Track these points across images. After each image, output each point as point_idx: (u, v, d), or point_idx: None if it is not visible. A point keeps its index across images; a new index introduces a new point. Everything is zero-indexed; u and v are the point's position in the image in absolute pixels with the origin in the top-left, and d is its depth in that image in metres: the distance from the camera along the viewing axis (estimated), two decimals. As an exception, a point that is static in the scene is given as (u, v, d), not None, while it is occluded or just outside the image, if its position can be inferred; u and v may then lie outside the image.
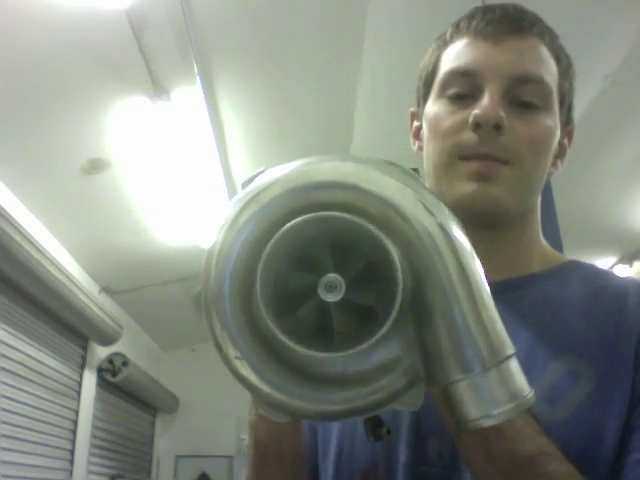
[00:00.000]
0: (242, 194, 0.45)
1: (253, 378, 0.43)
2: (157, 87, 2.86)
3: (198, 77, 2.80)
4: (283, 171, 0.45)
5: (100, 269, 4.38)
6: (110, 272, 4.44)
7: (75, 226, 3.81)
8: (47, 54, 2.59)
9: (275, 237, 0.41)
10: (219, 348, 0.44)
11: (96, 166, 3.35)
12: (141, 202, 3.76)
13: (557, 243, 1.90)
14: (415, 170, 0.46)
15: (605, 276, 0.70)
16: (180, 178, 3.49)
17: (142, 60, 2.70)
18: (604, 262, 5.03)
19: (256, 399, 0.44)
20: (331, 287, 0.41)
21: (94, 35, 2.56)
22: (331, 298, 0.41)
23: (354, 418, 0.44)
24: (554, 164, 0.71)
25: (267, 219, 0.43)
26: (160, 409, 6.00)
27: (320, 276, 0.42)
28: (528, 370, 0.46)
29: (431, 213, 0.43)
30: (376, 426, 0.49)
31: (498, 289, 0.48)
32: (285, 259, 0.42)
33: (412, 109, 0.77)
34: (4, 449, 3.24)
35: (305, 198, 0.43)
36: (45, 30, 2.49)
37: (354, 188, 0.43)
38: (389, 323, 0.39)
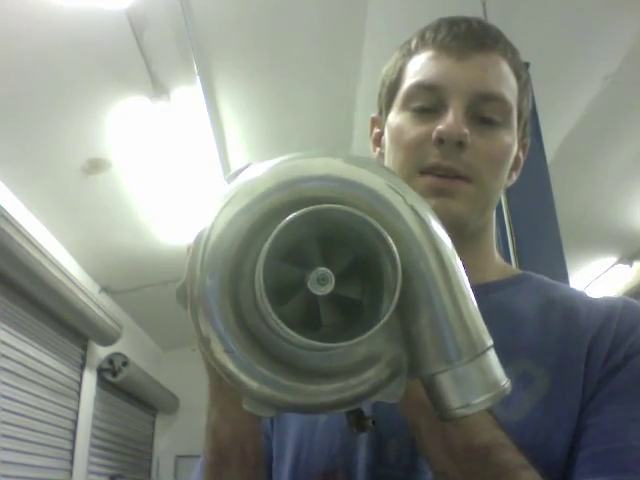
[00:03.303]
0: (232, 186, 0.45)
1: (241, 373, 0.43)
2: (157, 87, 2.86)
3: (198, 77, 2.80)
4: (273, 165, 0.45)
5: (100, 269, 4.38)
6: (110, 272, 4.44)
7: (75, 226, 3.81)
8: (47, 54, 2.60)
9: (280, 226, 0.40)
10: (205, 342, 0.43)
11: (96, 166, 3.36)
12: (141, 202, 3.76)
13: (557, 243, 1.89)
14: None
15: (554, 287, 0.73)
16: (180, 178, 3.49)
17: (142, 60, 2.70)
18: (604, 262, 5.03)
19: (244, 394, 0.44)
20: (323, 280, 0.41)
21: (94, 35, 2.56)
22: (321, 291, 0.41)
23: (339, 411, 0.45)
24: (509, 176, 0.73)
25: (259, 212, 0.43)
26: (160, 409, 6.00)
27: (308, 270, 0.42)
28: None
29: (416, 211, 0.45)
30: (359, 419, 0.50)
31: None
32: (275, 252, 0.42)
33: (373, 115, 0.78)
34: (4, 449, 3.24)
35: (297, 191, 0.44)
36: (45, 30, 2.49)
37: (346, 182, 0.44)
38: (389, 313, 0.40)
